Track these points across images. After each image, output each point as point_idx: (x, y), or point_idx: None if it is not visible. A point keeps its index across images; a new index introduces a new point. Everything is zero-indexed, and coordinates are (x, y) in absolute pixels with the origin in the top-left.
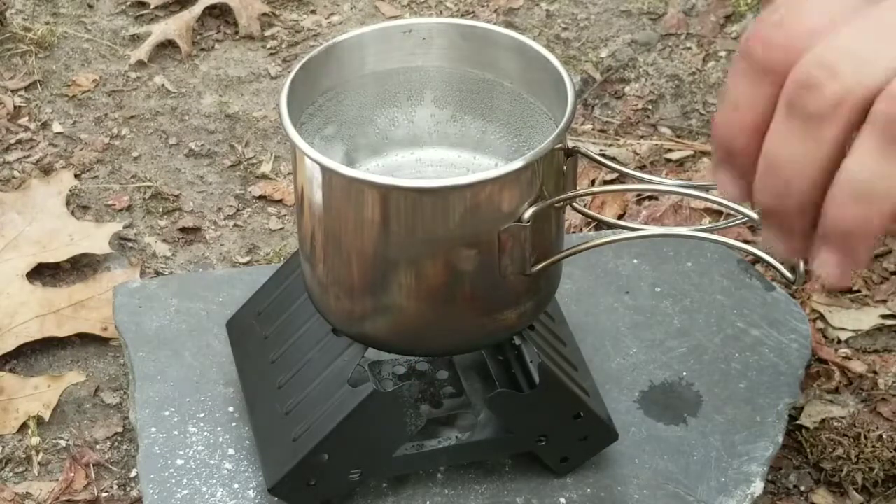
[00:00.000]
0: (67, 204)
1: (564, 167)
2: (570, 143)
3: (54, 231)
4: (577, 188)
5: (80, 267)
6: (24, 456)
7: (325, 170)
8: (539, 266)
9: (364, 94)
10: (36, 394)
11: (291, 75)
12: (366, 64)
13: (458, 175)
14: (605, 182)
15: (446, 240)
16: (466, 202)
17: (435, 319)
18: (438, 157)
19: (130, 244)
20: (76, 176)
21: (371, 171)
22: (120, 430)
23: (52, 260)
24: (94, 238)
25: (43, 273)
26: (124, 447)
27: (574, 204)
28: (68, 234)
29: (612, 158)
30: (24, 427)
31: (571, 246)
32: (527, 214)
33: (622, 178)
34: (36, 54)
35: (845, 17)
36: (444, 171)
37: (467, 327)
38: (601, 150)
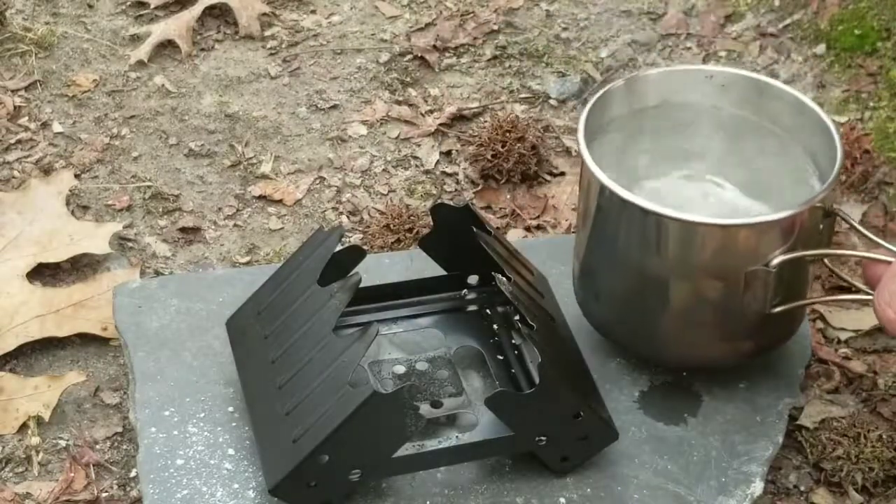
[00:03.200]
0: (67, 204)
1: (821, 226)
2: (832, 205)
3: (54, 231)
4: (832, 248)
5: (80, 267)
6: (24, 456)
7: (613, 194)
8: (780, 308)
9: (653, 125)
10: (36, 394)
11: (588, 106)
12: (663, 98)
13: (721, 212)
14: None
15: (698, 268)
16: (721, 240)
17: (678, 335)
18: (706, 190)
19: (130, 244)
20: (76, 176)
21: (644, 194)
22: (120, 430)
23: (52, 260)
24: (94, 238)
25: (43, 273)
26: (124, 447)
27: (827, 262)
28: (68, 234)
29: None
30: (24, 427)
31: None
32: (774, 261)
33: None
34: (36, 54)
35: None
36: (710, 203)
37: (705, 348)
38: None
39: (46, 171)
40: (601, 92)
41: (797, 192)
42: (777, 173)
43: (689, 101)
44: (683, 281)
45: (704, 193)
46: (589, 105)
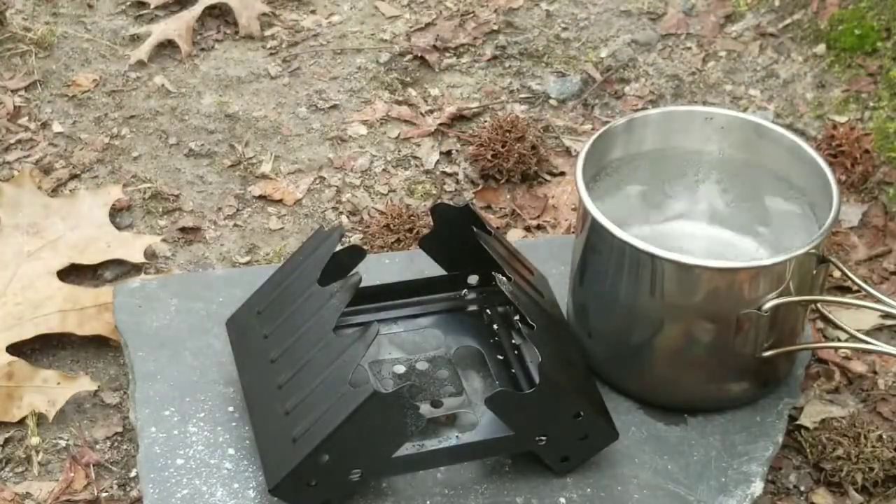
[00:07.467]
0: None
1: (814, 272)
2: (825, 253)
3: (93, 238)
4: (824, 294)
5: (115, 273)
6: (24, 456)
7: (608, 233)
8: (771, 352)
9: (651, 166)
10: (44, 387)
11: (587, 145)
12: (663, 139)
13: (716, 254)
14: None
15: (691, 310)
16: (714, 282)
17: (669, 376)
18: (702, 232)
19: None
20: (75, 176)
21: (639, 234)
22: (120, 430)
23: (85, 262)
24: (130, 248)
25: (76, 275)
26: (124, 447)
27: (820, 307)
28: (106, 241)
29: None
30: (23, 421)
31: (806, 341)
32: (766, 305)
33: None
34: (36, 54)
35: None
36: (705, 245)
37: (695, 389)
38: None
39: (46, 170)
40: (600, 132)
41: (793, 236)
42: (774, 217)
43: (688, 142)
44: (676, 322)
45: (700, 235)
46: (588, 144)
